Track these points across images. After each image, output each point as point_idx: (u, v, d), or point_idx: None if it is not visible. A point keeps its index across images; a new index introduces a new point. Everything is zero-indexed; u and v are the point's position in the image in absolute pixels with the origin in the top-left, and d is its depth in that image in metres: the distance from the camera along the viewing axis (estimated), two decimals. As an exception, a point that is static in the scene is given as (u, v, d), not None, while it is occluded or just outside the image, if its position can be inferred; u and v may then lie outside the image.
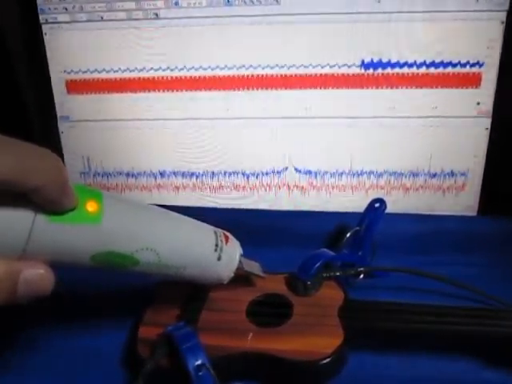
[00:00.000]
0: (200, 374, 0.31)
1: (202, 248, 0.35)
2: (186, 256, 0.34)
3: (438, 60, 0.47)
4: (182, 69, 0.50)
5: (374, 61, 0.48)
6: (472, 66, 0.47)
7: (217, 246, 0.35)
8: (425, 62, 0.47)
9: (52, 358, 0.38)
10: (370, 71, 0.48)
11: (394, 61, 0.47)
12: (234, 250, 0.37)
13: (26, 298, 0.26)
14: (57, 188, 0.25)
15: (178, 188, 0.55)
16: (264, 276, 0.40)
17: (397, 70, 0.48)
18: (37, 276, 0.26)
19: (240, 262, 0.37)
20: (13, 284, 0.25)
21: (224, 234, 0.37)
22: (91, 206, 0.28)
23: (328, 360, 0.33)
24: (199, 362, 0.32)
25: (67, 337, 0.39)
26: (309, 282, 0.40)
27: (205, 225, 0.37)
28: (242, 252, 0.38)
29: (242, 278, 0.40)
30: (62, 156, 0.54)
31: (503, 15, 0.45)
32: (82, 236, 0.28)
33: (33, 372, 0.37)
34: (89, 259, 0.29)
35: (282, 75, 0.49)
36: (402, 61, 0.47)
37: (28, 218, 0.25)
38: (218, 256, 0.35)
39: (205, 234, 0.36)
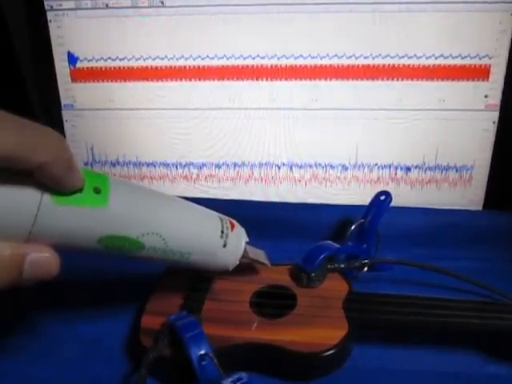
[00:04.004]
0: (203, 363, 0.31)
1: (207, 234, 0.35)
2: (191, 242, 0.34)
3: (446, 52, 0.47)
4: (187, 58, 0.50)
5: (382, 52, 0.47)
6: (481, 58, 0.46)
7: (222, 232, 0.35)
8: (433, 53, 0.47)
9: (54, 346, 0.38)
10: (378, 62, 0.48)
11: (401, 52, 0.47)
12: (239, 237, 0.37)
13: (31, 281, 0.26)
14: (62, 165, 0.25)
15: (181, 178, 0.54)
16: (269, 264, 0.40)
17: (404, 61, 0.47)
18: (42, 259, 0.26)
19: (245, 249, 0.37)
20: (18, 266, 0.26)
21: (230, 221, 0.37)
22: (97, 189, 0.28)
23: (332, 352, 0.33)
24: (202, 352, 0.32)
25: (69, 325, 0.39)
26: (313, 274, 0.40)
27: (211, 211, 0.37)
28: (247, 239, 0.38)
29: (246, 267, 0.40)
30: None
31: (513, 7, 0.44)
32: (88, 219, 0.28)
33: (35, 360, 0.37)
34: (95, 242, 0.29)
35: (288, 65, 0.49)
36: (409, 52, 0.47)
37: (34, 200, 0.25)
38: (224, 242, 0.35)
39: (211, 220, 0.36)
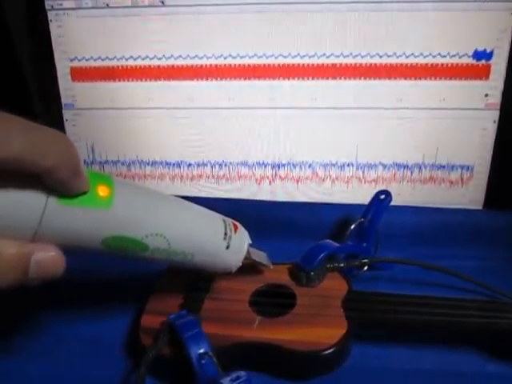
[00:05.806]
0: (202, 362, 0.31)
1: (211, 236, 0.35)
2: (195, 243, 0.34)
3: (446, 51, 0.46)
4: (187, 57, 0.50)
5: (382, 51, 0.47)
6: (481, 57, 0.46)
7: (226, 234, 0.35)
8: (433, 52, 0.47)
9: (54, 345, 0.38)
10: (378, 62, 0.47)
11: (401, 51, 0.47)
12: (242, 239, 0.37)
13: (36, 280, 0.27)
14: (70, 169, 0.25)
15: (181, 177, 0.54)
16: (271, 266, 0.40)
17: (404, 60, 0.47)
18: (48, 258, 0.27)
19: (248, 251, 0.37)
20: (24, 265, 0.26)
21: (233, 222, 0.37)
22: (102, 191, 0.28)
23: (331, 350, 0.33)
24: (202, 351, 0.32)
25: (69, 324, 0.39)
26: (312, 273, 0.40)
27: (214, 213, 0.37)
28: (250, 241, 0.38)
29: (248, 268, 0.40)
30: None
31: (514, 6, 0.44)
32: (92, 220, 0.28)
33: (35, 359, 0.37)
34: (99, 243, 0.29)
35: (287, 65, 0.49)
36: (409, 52, 0.47)
37: (40, 201, 0.26)
38: (227, 244, 0.35)
39: (214, 222, 0.36)
